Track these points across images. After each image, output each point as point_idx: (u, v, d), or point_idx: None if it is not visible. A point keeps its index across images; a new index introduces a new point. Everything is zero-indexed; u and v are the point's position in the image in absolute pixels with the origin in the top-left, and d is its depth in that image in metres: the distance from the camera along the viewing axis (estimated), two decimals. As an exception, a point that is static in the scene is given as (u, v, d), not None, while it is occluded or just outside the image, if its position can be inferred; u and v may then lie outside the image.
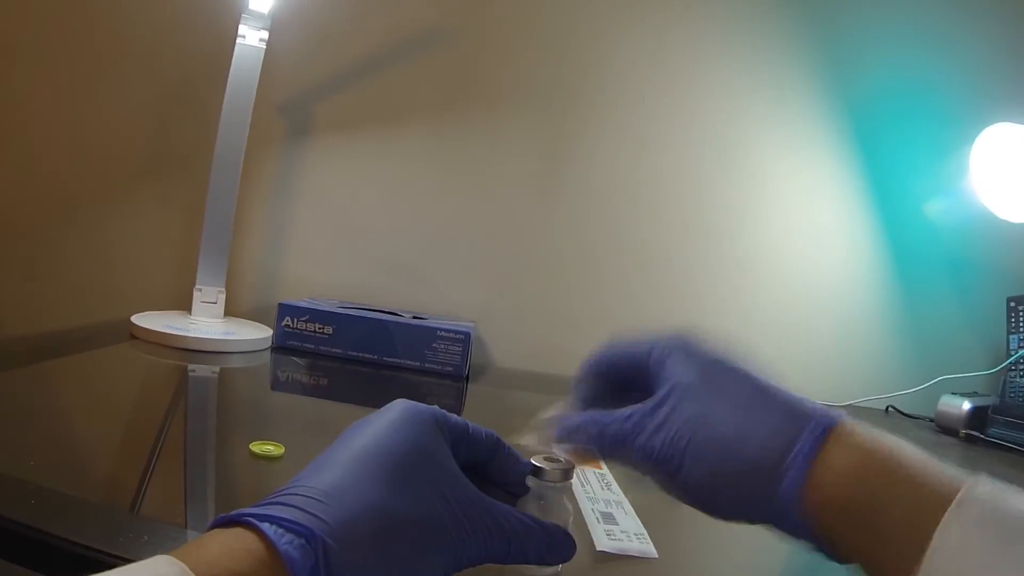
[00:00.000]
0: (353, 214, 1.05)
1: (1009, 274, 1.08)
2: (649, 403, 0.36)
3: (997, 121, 0.98)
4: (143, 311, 0.91)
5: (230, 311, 0.96)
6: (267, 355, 0.89)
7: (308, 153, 1.04)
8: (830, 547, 0.31)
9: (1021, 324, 1.02)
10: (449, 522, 0.30)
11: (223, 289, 0.92)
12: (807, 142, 1.07)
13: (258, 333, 0.91)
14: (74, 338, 0.87)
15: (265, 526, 0.27)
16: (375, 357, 0.89)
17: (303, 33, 1.00)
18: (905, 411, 1.05)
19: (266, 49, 0.88)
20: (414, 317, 0.94)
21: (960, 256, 1.09)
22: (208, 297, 0.92)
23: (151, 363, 0.81)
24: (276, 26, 0.89)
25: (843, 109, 1.07)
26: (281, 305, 0.91)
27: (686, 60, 1.06)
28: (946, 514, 0.27)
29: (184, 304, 0.92)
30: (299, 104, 1.03)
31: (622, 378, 0.39)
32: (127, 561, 0.30)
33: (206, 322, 0.91)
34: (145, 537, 0.37)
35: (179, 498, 0.45)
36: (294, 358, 0.89)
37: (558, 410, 0.40)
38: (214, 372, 0.82)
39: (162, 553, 0.25)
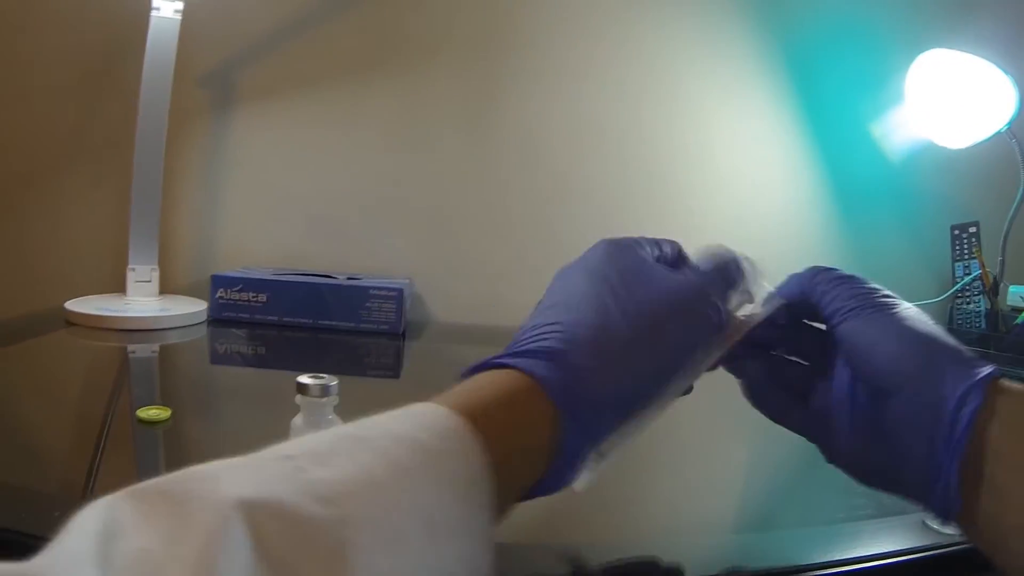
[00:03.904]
0: (284, 180, 1.03)
1: (952, 201, 1.08)
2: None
3: (930, 47, 0.98)
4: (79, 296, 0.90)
5: (167, 288, 0.95)
6: (204, 328, 0.88)
7: (234, 123, 1.02)
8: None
9: (966, 251, 1.03)
10: (671, 326, 0.33)
11: (156, 267, 0.91)
12: (743, 79, 1.07)
13: (194, 307, 0.90)
14: (6, 330, 0.85)
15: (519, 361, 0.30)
16: (310, 321, 0.89)
17: (219, 0, 0.98)
18: (854, 343, 1.05)
19: (183, 20, 0.87)
20: (349, 278, 0.93)
21: (902, 185, 1.09)
22: (142, 276, 0.91)
23: (89, 347, 0.80)
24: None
25: (777, 43, 1.06)
26: (214, 277, 0.90)
27: (616, 2, 1.05)
28: None
29: (122, 287, 0.91)
30: (221, 74, 1.01)
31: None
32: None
33: (142, 301, 0.90)
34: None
35: (132, 479, 0.44)
36: (232, 329, 0.88)
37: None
38: (153, 351, 0.82)
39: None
